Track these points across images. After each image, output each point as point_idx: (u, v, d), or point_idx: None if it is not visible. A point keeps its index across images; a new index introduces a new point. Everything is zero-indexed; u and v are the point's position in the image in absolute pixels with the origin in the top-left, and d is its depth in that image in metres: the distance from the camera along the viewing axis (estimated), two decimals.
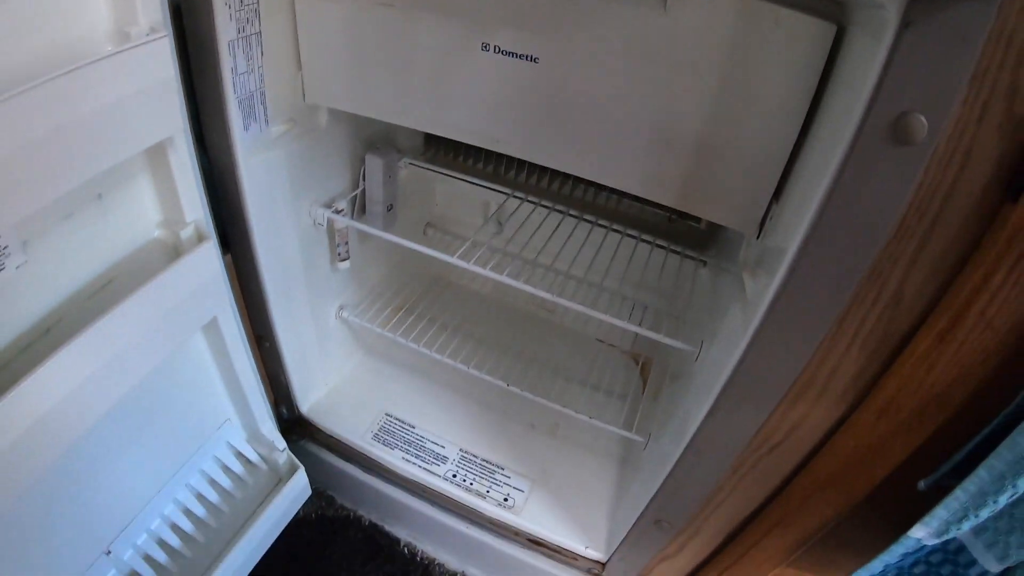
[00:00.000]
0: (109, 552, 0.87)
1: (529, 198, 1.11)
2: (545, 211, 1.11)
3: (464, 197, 1.29)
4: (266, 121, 0.84)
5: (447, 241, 1.36)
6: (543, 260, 1.07)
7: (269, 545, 1.04)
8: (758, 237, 0.73)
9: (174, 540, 0.94)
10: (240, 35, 0.73)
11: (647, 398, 1.19)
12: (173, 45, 0.65)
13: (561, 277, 1.11)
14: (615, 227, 1.08)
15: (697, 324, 0.98)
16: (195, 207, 0.77)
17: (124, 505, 0.90)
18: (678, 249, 1.04)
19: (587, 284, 1.16)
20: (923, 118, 0.46)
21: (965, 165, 0.48)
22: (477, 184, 1.12)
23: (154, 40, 0.60)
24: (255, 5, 0.74)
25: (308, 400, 1.21)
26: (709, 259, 1.02)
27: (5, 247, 0.61)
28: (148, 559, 0.91)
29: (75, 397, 0.66)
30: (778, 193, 0.69)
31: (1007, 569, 0.60)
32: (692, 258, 1.04)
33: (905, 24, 0.44)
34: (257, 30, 0.76)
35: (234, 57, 0.74)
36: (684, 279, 1.05)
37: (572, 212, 1.10)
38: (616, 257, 1.05)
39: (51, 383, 0.63)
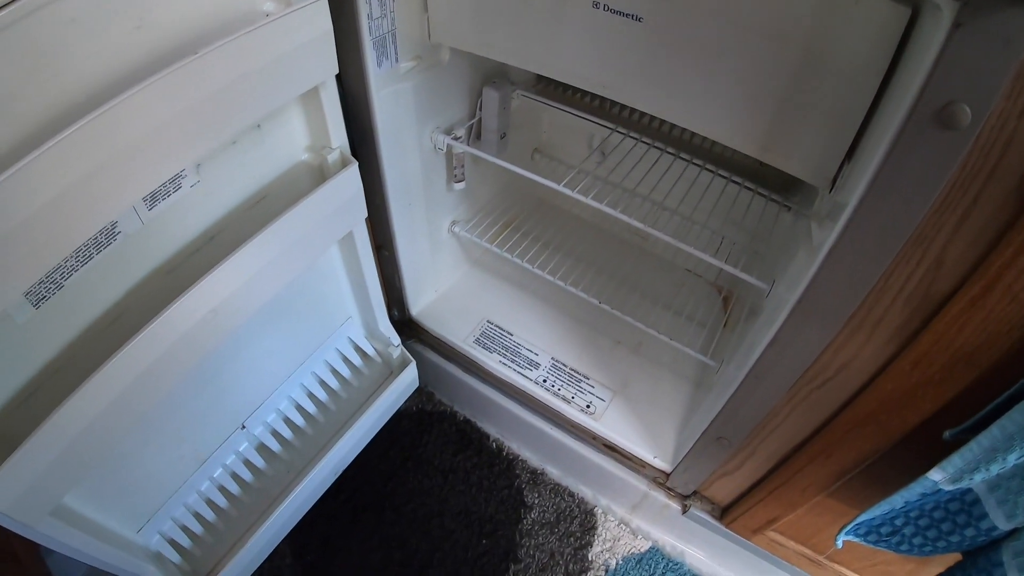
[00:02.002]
0: (244, 427, 1.00)
1: (631, 133, 1.15)
2: (645, 147, 1.14)
3: (570, 127, 1.34)
4: (396, 58, 0.91)
5: (552, 167, 1.40)
6: (641, 191, 1.11)
7: (378, 429, 1.16)
8: (830, 191, 0.77)
9: (298, 419, 1.06)
10: None
11: (725, 328, 1.24)
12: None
13: (656, 208, 1.16)
14: (708, 167, 1.11)
15: (773, 264, 1.02)
16: (340, 135, 0.86)
17: (259, 388, 1.02)
18: (765, 192, 1.07)
19: (680, 216, 1.21)
20: (967, 108, 0.51)
21: (1005, 153, 0.52)
22: (583, 117, 1.16)
23: (316, 1, 0.69)
24: None
25: (418, 304, 1.32)
26: (793, 204, 1.04)
27: (183, 169, 0.71)
28: (275, 434, 1.04)
29: (237, 295, 0.77)
30: (851, 152, 0.72)
31: (1016, 529, 0.62)
32: (777, 202, 1.06)
33: (956, 25, 0.49)
34: None
35: (369, 4, 0.80)
36: (767, 220, 1.08)
37: (670, 150, 1.13)
38: (707, 194, 1.08)
39: (221, 283, 0.74)
